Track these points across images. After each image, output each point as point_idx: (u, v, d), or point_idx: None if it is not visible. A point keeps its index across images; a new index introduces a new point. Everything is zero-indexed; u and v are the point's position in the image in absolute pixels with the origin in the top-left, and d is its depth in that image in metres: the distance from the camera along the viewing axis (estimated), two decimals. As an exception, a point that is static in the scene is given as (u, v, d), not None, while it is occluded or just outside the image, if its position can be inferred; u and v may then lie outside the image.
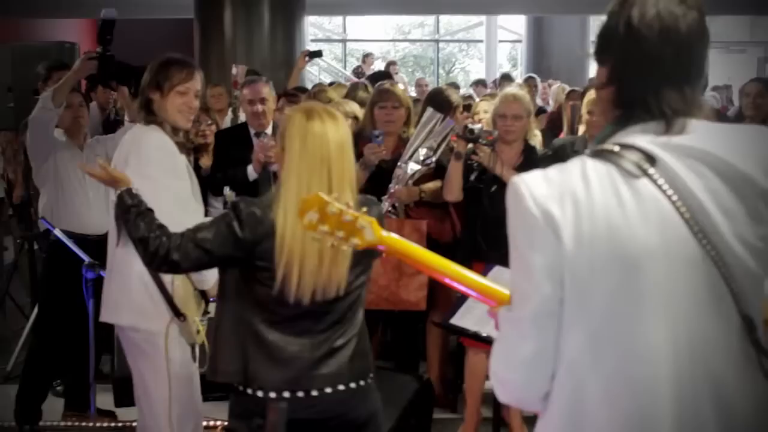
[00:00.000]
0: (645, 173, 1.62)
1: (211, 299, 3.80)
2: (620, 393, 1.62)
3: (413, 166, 4.70)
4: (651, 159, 1.63)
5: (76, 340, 4.84)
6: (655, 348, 1.60)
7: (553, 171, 1.67)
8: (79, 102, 5.09)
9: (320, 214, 2.13)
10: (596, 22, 18.66)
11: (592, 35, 17.00)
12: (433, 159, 4.73)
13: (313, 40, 17.25)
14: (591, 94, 5.66)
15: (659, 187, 1.61)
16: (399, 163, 4.75)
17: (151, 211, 3.06)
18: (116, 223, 3.64)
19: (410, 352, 5.37)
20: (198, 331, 3.69)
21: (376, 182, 4.69)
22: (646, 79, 1.69)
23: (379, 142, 4.72)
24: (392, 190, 4.71)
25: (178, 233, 2.89)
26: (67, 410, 5.26)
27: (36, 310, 5.59)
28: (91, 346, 4.59)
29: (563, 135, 6.39)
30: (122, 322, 3.74)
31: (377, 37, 23.28)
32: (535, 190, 1.64)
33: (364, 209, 2.14)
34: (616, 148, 1.66)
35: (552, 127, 6.96)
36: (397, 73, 8.11)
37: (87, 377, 4.72)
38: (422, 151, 4.67)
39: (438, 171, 4.88)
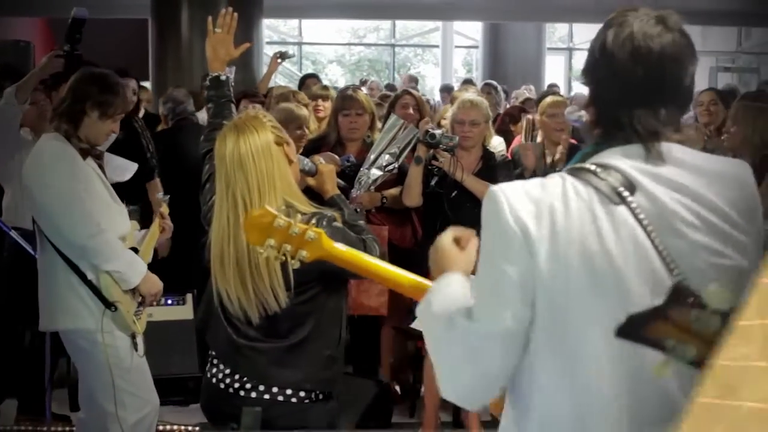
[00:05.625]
0: (624, 200, 1.62)
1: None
2: (590, 412, 1.62)
3: (375, 173, 4.71)
4: (631, 185, 1.63)
5: (32, 343, 4.78)
6: (615, 369, 1.60)
7: (534, 186, 1.66)
8: (43, 99, 5.04)
9: (267, 228, 2.13)
10: (551, 29, 18.78)
11: (549, 42, 17.20)
12: (395, 165, 4.75)
13: (268, 43, 17.14)
14: (547, 99, 5.72)
15: (636, 216, 1.61)
16: (361, 169, 4.75)
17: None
18: (35, 228, 3.73)
19: (369, 356, 5.38)
20: (134, 321, 3.72)
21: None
22: (619, 99, 1.71)
23: (343, 167, 4.69)
24: (354, 196, 4.71)
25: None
26: (20, 414, 5.17)
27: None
28: (47, 349, 4.53)
29: (517, 142, 6.42)
30: (59, 327, 3.80)
31: (332, 40, 23.27)
32: (514, 204, 1.63)
33: (313, 221, 2.19)
34: (598, 170, 1.65)
35: (502, 129, 7.02)
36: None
37: (42, 381, 4.66)
38: (385, 158, 4.68)
39: (401, 177, 4.90)
